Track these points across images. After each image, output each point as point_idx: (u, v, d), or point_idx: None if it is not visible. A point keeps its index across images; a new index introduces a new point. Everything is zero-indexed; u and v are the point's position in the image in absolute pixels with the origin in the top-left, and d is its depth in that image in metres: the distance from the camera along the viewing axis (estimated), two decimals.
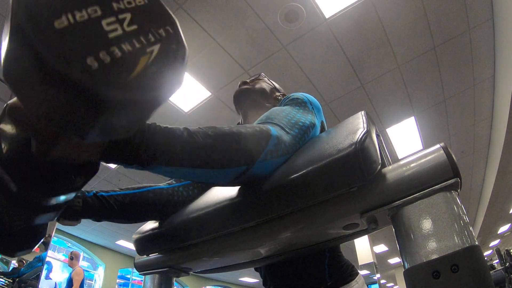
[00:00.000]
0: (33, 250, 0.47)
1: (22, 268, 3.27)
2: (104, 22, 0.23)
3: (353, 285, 0.70)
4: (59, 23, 0.21)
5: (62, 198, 0.37)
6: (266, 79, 0.99)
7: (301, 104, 0.67)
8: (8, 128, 0.32)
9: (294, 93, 0.73)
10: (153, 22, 0.26)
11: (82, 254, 7.22)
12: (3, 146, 0.32)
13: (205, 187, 0.72)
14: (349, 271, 0.73)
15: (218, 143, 0.43)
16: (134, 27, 0.25)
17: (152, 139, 0.37)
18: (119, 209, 0.59)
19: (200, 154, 0.41)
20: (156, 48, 0.25)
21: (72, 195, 0.39)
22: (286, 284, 0.74)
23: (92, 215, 0.57)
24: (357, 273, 0.75)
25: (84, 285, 3.75)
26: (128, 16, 0.25)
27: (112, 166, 4.45)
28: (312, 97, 0.72)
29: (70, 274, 3.64)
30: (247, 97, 0.90)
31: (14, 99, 0.28)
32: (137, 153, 0.36)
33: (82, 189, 0.48)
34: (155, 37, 0.26)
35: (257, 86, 0.93)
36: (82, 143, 0.31)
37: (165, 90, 0.25)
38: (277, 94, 0.96)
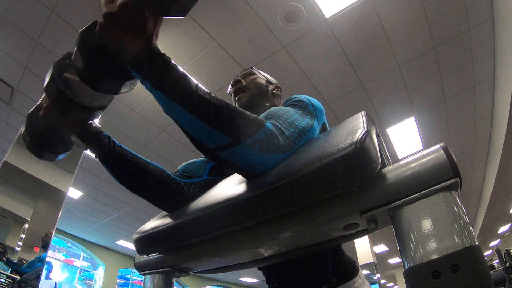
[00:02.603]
0: (57, 159, 0.67)
1: (23, 266, 3.26)
2: None
3: (357, 280, 0.71)
4: None
5: (114, 80, 0.52)
6: (257, 72, 0.98)
7: (301, 105, 0.67)
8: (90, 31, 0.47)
9: (298, 94, 0.73)
10: None
11: (82, 254, 7.24)
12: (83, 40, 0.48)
13: (207, 187, 0.72)
14: (351, 267, 0.74)
15: (219, 107, 0.47)
16: None
17: (176, 68, 0.46)
18: (118, 156, 0.64)
19: (201, 106, 0.46)
20: None
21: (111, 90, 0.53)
22: (290, 282, 0.74)
23: (99, 150, 0.63)
24: (358, 269, 0.75)
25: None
26: None
27: None
28: (315, 100, 0.72)
29: None
30: (251, 107, 0.88)
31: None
32: (163, 69, 0.45)
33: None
34: None
35: (254, 89, 0.92)
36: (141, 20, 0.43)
37: None
38: (271, 87, 0.96)
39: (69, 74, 0.56)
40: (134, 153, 0.67)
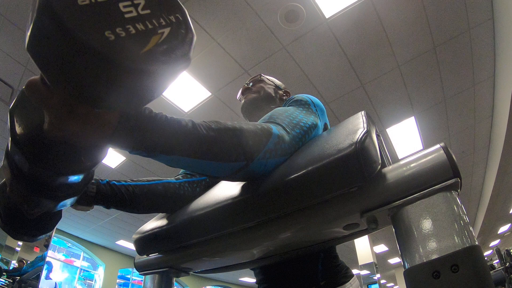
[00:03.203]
0: (49, 233, 0.54)
1: (25, 267, 3.27)
2: (121, 5, 0.27)
3: (347, 287, 0.70)
4: (82, 1, 0.25)
5: (75, 179, 0.39)
6: (266, 78, 1.00)
7: (304, 105, 0.68)
8: (23, 110, 0.36)
9: (298, 94, 0.74)
10: (164, 9, 0.31)
11: (82, 254, 7.24)
12: (18, 127, 0.35)
13: (209, 185, 0.73)
14: (343, 272, 0.73)
15: (220, 136, 0.44)
16: (147, 11, 0.29)
17: (159, 126, 0.40)
18: (129, 198, 0.61)
19: (202, 145, 0.43)
20: (166, 30, 0.30)
21: (82, 183, 0.42)
22: (279, 283, 0.74)
23: (104, 202, 0.59)
24: (352, 276, 0.74)
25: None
26: (142, 2, 0.29)
27: (113, 165, 4.45)
28: (316, 98, 0.72)
29: None
30: (256, 107, 0.91)
31: (32, 78, 0.31)
32: (143, 138, 0.38)
33: (95, 178, 0.54)
34: (166, 22, 0.30)
35: (262, 92, 0.94)
36: (93, 118, 0.33)
37: (173, 67, 0.30)
38: (280, 92, 0.97)
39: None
40: (139, 182, 0.65)
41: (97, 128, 0.33)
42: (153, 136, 0.39)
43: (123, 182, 0.63)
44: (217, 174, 0.47)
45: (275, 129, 0.52)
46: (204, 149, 0.43)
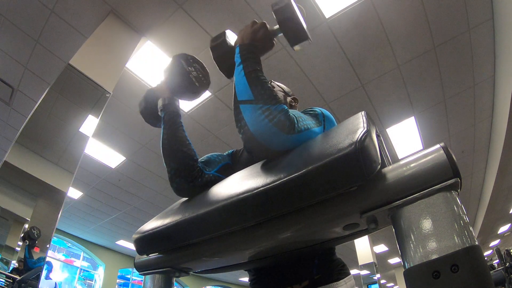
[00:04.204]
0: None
1: (29, 260, 3.26)
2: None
3: (341, 285, 0.69)
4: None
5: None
6: (276, 85, 0.99)
7: (312, 114, 0.72)
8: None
9: (312, 107, 0.79)
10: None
11: (82, 254, 7.24)
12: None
13: (211, 183, 0.74)
14: (338, 269, 0.73)
15: (260, 79, 0.67)
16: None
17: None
18: (176, 127, 0.79)
19: (251, 73, 0.66)
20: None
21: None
22: (273, 275, 0.74)
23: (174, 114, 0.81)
24: (348, 274, 0.73)
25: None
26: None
27: (113, 165, 4.46)
28: (328, 112, 0.76)
29: None
30: None
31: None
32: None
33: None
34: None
35: None
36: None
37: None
38: (289, 99, 0.98)
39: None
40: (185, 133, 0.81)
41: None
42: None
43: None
44: (239, 94, 0.64)
45: (285, 107, 0.62)
46: (253, 76, 0.65)
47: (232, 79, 0.69)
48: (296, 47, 0.71)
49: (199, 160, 0.82)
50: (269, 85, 0.64)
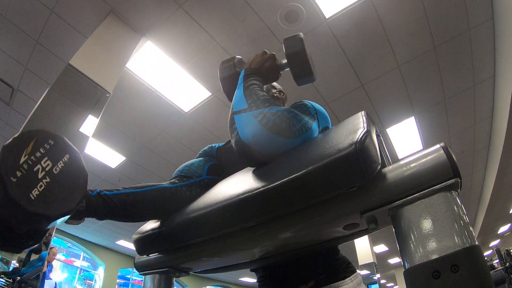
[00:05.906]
0: (37, 244, 0.55)
1: (23, 268, 3.26)
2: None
3: (347, 283, 0.68)
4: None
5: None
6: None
7: (303, 108, 0.69)
8: None
9: (301, 100, 0.76)
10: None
11: (82, 254, 7.23)
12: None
13: (207, 185, 0.72)
14: (343, 267, 0.72)
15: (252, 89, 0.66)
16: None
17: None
18: (122, 207, 0.59)
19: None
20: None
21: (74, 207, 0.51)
22: (278, 276, 0.73)
23: (95, 214, 0.57)
24: (354, 271, 0.72)
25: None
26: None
27: (113, 165, 4.45)
28: (318, 105, 0.75)
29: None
30: None
31: None
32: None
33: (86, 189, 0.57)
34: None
35: None
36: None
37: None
38: (274, 91, 0.96)
39: None
40: (133, 189, 0.63)
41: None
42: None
43: (116, 191, 0.60)
44: (235, 105, 0.63)
45: (280, 107, 0.61)
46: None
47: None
48: (300, 84, 0.74)
49: (178, 171, 0.78)
50: (264, 93, 0.63)
